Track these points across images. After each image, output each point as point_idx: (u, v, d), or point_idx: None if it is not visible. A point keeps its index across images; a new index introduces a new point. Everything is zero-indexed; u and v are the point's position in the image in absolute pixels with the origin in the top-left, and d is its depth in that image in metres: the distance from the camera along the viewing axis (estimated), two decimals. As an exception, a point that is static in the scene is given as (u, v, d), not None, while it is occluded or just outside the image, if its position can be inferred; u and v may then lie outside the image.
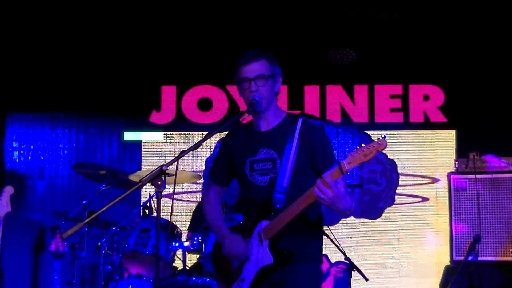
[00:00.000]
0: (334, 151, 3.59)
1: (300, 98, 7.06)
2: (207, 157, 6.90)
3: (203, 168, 6.88)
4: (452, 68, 6.95)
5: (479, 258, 5.73)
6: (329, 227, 5.36)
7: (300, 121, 3.40)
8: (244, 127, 3.54)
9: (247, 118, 3.45)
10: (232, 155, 3.52)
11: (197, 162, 6.89)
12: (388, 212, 6.93)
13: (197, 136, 6.96)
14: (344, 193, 3.14)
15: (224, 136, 3.67)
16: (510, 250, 5.81)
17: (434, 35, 6.93)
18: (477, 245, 5.63)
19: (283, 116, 3.49)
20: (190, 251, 5.21)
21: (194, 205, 5.91)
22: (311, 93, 7.09)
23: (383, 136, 3.11)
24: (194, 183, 6.18)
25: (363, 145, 3.10)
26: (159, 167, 3.04)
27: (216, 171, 3.64)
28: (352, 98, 7.07)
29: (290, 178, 3.31)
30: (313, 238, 3.44)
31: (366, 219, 6.92)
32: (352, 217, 6.88)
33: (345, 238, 6.67)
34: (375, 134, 6.98)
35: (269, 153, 3.40)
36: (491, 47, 6.86)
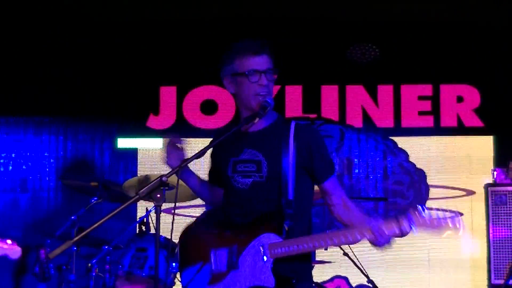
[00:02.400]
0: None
1: (317, 99, 7.06)
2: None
3: (206, 179, 6.85)
4: (489, 66, 6.93)
5: (521, 282, 5.71)
6: (350, 246, 5.35)
7: (293, 124, 3.42)
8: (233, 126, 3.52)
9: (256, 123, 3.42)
10: (216, 155, 3.61)
11: (200, 172, 6.88)
12: (416, 229, 6.89)
13: (200, 143, 6.94)
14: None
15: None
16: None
17: (468, 28, 6.90)
18: (518, 267, 5.61)
19: (275, 117, 3.49)
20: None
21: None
22: (329, 94, 7.09)
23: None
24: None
25: (437, 211, 3.18)
26: (158, 177, 3.04)
27: (211, 173, 3.76)
28: (375, 99, 7.06)
29: (294, 190, 3.33)
30: (309, 260, 3.51)
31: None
32: (375, 235, 6.85)
33: (368, 259, 6.61)
34: (401, 141, 6.96)
35: (253, 154, 3.41)
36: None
